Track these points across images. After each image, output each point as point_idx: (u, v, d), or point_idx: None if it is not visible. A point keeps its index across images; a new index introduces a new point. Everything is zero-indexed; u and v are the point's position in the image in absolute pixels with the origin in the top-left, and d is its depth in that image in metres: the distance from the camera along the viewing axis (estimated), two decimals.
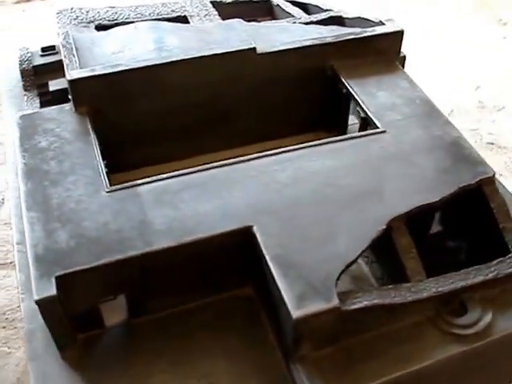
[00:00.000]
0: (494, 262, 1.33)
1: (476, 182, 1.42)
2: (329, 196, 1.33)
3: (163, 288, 1.25)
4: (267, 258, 1.18)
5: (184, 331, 1.24)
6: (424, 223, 1.56)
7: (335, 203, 1.31)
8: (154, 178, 1.33)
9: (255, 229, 1.24)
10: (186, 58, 1.51)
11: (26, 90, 1.69)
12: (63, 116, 1.47)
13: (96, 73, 1.47)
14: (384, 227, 1.27)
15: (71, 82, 1.46)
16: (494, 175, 1.44)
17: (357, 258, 1.27)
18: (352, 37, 1.76)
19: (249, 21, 1.73)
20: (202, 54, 1.53)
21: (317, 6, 1.94)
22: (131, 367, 1.17)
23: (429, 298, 1.21)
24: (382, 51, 1.72)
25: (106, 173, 1.34)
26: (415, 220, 1.31)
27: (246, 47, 1.56)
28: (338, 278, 1.22)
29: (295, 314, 1.08)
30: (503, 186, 1.47)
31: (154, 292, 1.25)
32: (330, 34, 1.66)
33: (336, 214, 1.29)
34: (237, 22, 1.71)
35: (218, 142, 1.71)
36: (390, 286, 1.27)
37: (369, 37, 1.77)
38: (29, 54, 1.74)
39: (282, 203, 1.31)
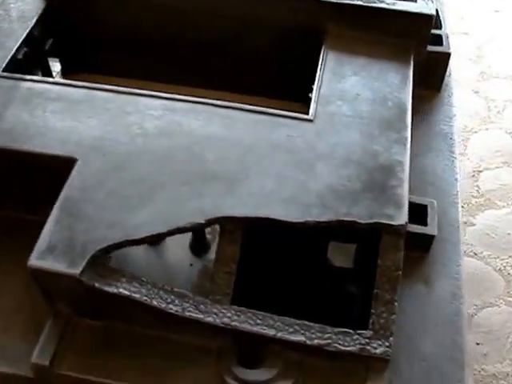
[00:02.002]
0: (338, 330, 1.05)
1: (367, 225, 1.09)
2: (179, 163, 1.17)
3: None
4: (60, 195, 1.11)
5: None
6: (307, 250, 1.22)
7: (179, 173, 1.15)
8: (46, 79, 1.33)
9: (77, 163, 1.17)
10: None
11: None
12: None
13: None
14: (202, 222, 1.09)
15: None
16: (402, 226, 1.09)
17: (143, 240, 1.08)
18: (360, 3, 1.40)
19: None
20: None
21: None
22: None
23: (217, 327, 1.04)
24: (399, 34, 1.42)
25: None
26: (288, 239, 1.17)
27: None
28: (108, 249, 1.07)
29: (30, 261, 1.02)
30: None
31: None
32: None
33: (169, 184, 1.14)
34: None
35: (182, 75, 1.61)
36: (180, 291, 1.06)
37: (382, 9, 1.40)
38: None
39: (125, 151, 1.19)
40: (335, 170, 1.15)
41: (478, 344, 2.10)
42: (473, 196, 2.56)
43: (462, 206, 2.49)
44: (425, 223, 1.19)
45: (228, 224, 1.09)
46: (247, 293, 1.23)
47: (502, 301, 2.24)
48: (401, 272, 1.06)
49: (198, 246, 1.35)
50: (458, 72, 3.07)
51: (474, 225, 2.45)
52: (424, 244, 1.20)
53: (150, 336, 1.06)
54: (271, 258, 1.28)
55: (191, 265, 1.32)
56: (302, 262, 1.29)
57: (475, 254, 2.35)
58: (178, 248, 1.37)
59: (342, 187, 1.12)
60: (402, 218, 1.09)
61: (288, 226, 1.08)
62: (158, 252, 1.38)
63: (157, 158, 1.17)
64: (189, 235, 1.35)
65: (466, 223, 2.43)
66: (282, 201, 1.10)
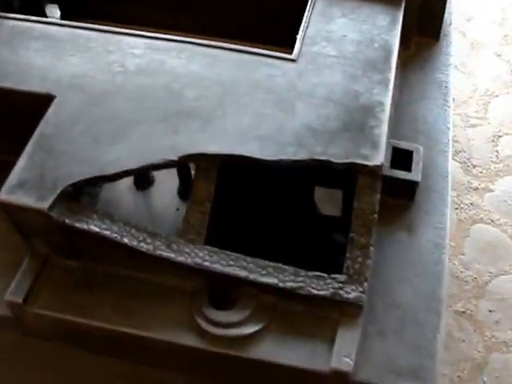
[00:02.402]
0: (311, 274, 1.02)
1: (342, 164, 1.05)
2: (157, 101, 1.14)
3: None
4: (35, 132, 1.09)
5: None
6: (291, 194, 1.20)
7: (156, 110, 1.12)
8: (29, 18, 1.28)
9: (55, 101, 1.14)
10: None
11: None
12: None
13: None
14: (174, 159, 1.06)
15: None
16: (378, 167, 1.05)
17: (114, 176, 1.05)
18: None
19: None
20: None
21: None
22: None
23: (189, 267, 1.01)
24: None
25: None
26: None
27: None
28: (78, 185, 1.04)
29: (0, 196, 1.01)
30: None
31: None
32: None
33: (144, 121, 1.11)
34: None
35: (168, 20, 1.57)
36: (153, 230, 1.04)
37: None
38: None
39: (103, 88, 1.16)
40: (314, 109, 1.11)
41: (490, 311, 2.07)
42: (492, 161, 2.48)
43: (481, 172, 2.45)
44: (409, 169, 1.15)
45: (202, 162, 1.06)
46: (229, 236, 1.20)
47: None
48: (376, 215, 1.03)
49: (186, 191, 1.32)
50: (481, 34, 3.00)
51: (492, 191, 2.38)
52: (408, 191, 1.15)
53: (125, 277, 1.05)
54: (255, 202, 1.25)
55: (178, 209, 1.29)
56: (287, 208, 1.26)
57: (492, 221, 2.29)
58: (167, 193, 1.34)
59: (319, 126, 1.08)
60: (377, 158, 1.05)
61: (262, 164, 1.04)
62: (146, 197, 1.35)
63: (135, 95, 1.13)
64: (177, 181, 1.32)
65: (484, 189, 2.38)
66: (257, 139, 1.06)
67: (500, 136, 2.58)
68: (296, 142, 1.06)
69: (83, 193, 1.13)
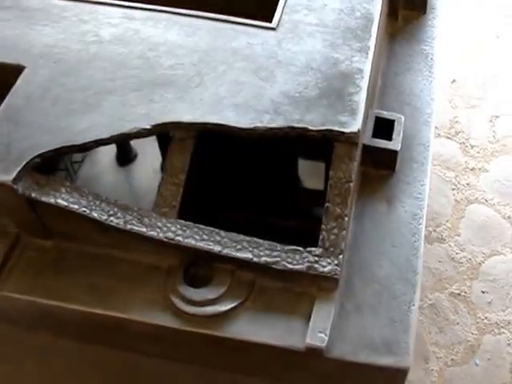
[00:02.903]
0: (287, 248, 0.99)
1: (319, 132, 1.02)
2: (132, 70, 1.10)
3: None
4: (3, 103, 1.06)
5: None
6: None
7: (130, 79, 1.09)
8: None
9: (24, 71, 1.10)
10: None
11: None
12: None
13: None
14: (147, 127, 1.03)
15: None
16: (355, 134, 1.02)
17: (84, 146, 1.02)
18: None
19: None
20: None
21: None
22: None
23: (161, 242, 0.98)
24: None
25: None
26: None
27: None
28: (46, 156, 1.00)
29: None
30: None
31: None
32: None
33: (118, 90, 1.07)
34: None
35: None
36: (124, 204, 1.00)
37: None
38: None
39: (76, 58, 1.13)
40: (294, 77, 1.08)
41: (483, 292, 2.08)
42: (489, 141, 2.47)
43: (478, 152, 2.42)
44: (391, 139, 1.12)
45: (177, 131, 1.03)
46: (207, 209, 1.18)
47: (508, 249, 2.13)
48: (352, 184, 1.00)
49: None
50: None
51: (487, 171, 2.37)
52: (389, 161, 1.11)
53: (99, 256, 1.03)
54: (237, 174, 1.23)
55: None
56: (269, 181, 1.23)
57: (486, 201, 2.28)
58: (150, 169, 1.31)
59: (297, 94, 1.06)
60: (355, 125, 1.02)
61: (238, 132, 1.01)
62: (128, 173, 1.33)
63: (109, 64, 1.10)
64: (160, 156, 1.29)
65: (480, 169, 2.37)
66: (234, 107, 1.04)
67: (497, 116, 2.55)
68: (273, 110, 1.03)
69: (59, 169, 1.11)
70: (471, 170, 2.36)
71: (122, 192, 1.31)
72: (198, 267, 0.99)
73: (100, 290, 0.99)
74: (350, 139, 1.01)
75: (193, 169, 1.04)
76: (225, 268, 0.98)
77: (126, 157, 1.34)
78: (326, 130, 1.01)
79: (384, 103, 1.23)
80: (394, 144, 1.10)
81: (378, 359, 0.93)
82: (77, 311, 0.98)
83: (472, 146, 2.44)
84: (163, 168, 1.20)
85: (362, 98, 1.05)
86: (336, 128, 1.01)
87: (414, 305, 0.97)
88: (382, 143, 1.11)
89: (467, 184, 2.32)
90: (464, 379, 1.89)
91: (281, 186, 1.26)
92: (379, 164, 1.12)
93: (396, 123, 1.13)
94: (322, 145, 1.04)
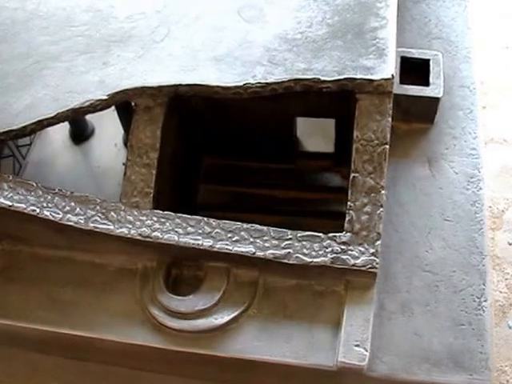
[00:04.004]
0: (301, 234, 0.77)
1: (336, 83, 0.78)
2: (80, 27, 0.89)
3: None
4: None
5: None
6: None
7: (78, 39, 0.88)
8: None
9: None
10: None
11: None
12: None
13: None
14: (103, 98, 0.81)
15: None
16: (387, 81, 0.78)
17: (24, 130, 0.81)
18: None
19: None
20: None
21: None
22: None
23: (134, 241, 0.78)
24: None
25: None
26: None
27: None
28: None
29: None
30: None
31: None
32: None
33: (64, 55, 0.86)
34: None
35: None
36: (84, 195, 0.80)
37: None
38: None
39: (10, 19, 0.91)
40: (290, 13, 0.86)
41: (510, 244, 1.77)
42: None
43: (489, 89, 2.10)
44: (426, 83, 0.87)
45: (141, 99, 0.80)
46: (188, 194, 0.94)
47: None
48: (388, 146, 0.76)
49: None
50: None
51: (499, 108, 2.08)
52: (427, 112, 0.89)
53: (58, 260, 0.84)
54: (222, 142, 0.99)
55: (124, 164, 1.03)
56: (262, 145, 0.99)
57: (505, 141, 1.98)
58: (111, 145, 1.08)
59: (299, 36, 0.84)
60: (386, 69, 0.79)
61: (222, 93, 0.77)
62: (86, 152, 1.09)
63: (51, 23, 0.90)
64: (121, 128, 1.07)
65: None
66: (214, 61, 0.83)
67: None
68: (268, 60, 0.82)
69: (2, 156, 0.89)
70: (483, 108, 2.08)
71: (81, 176, 1.11)
72: (182, 267, 0.80)
73: (61, 303, 0.81)
74: (381, 88, 0.77)
75: (167, 144, 0.82)
76: (218, 266, 0.78)
77: (81, 133, 1.12)
78: (346, 79, 0.77)
79: (405, 39, 0.99)
80: (434, 89, 0.86)
81: (444, 376, 0.71)
82: (35, 331, 0.81)
83: (481, 83, 2.16)
84: (126, 142, 0.96)
85: (389, 32, 0.82)
86: (360, 76, 0.78)
87: (485, 300, 0.73)
88: (415, 90, 0.87)
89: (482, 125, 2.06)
90: (497, 344, 1.65)
91: (277, 150, 1.02)
92: (412, 116, 0.89)
93: (432, 63, 0.89)
94: (333, 96, 0.79)
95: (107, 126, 1.07)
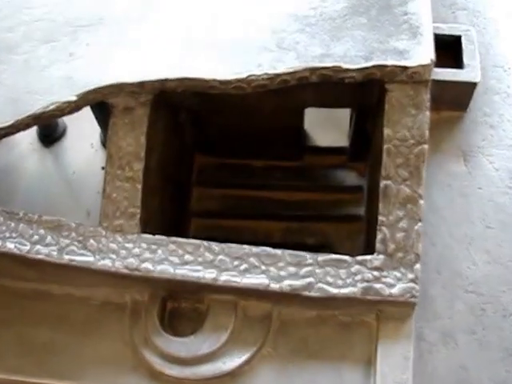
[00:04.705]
0: (324, 258, 0.65)
1: (361, 72, 0.65)
2: (40, 7, 0.75)
3: None
4: None
5: None
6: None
7: (40, 24, 0.74)
8: None
9: None
10: None
11: None
12: None
13: None
14: (71, 100, 0.67)
15: None
16: (425, 68, 0.65)
17: None
18: None
19: None
20: None
21: None
22: None
23: (120, 275, 0.65)
24: None
25: None
26: None
27: None
28: None
29: None
30: None
31: None
32: None
33: (22, 45, 0.73)
34: None
35: None
36: (56, 220, 0.67)
37: None
38: None
39: None
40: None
41: None
42: None
43: None
44: (459, 65, 0.74)
45: (118, 98, 0.66)
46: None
47: None
48: (426, 146, 0.63)
49: None
50: None
51: None
52: (460, 98, 0.79)
53: (33, 294, 0.72)
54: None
55: (103, 168, 0.88)
56: (269, 140, 0.86)
57: None
58: (86, 146, 0.94)
59: (312, 12, 0.70)
60: (423, 53, 0.66)
61: (220, 88, 0.64)
62: (57, 155, 0.97)
63: (3, 4, 0.77)
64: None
65: None
66: (209, 47, 0.69)
67: None
68: (276, 44, 0.68)
69: None
70: None
71: (53, 185, 0.97)
72: (180, 299, 0.68)
73: (35, 348, 0.70)
74: (417, 77, 0.65)
75: (154, 150, 0.69)
76: (223, 300, 0.66)
77: (51, 133, 0.98)
78: (375, 66, 0.64)
79: None
80: (470, 72, 0.74)
81: None
82: (6, 381, 0.71)
83: None
84: (104, 141, 0.82)
85: (423, 4, 0.68)
86: (392, 61, 0.64)
87: None
88: (448, 74, 0.75)
89: None
90: None
91: (283, 145, 0.89)
92: (442, 104, 0.78)
93: (464, 40, 0.76)
94: (353, 85, 0.66)
95: (81, 124, 0.93)
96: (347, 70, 0.64)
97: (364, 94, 0.70)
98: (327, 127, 0.87)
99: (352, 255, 0.65)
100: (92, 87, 0.67)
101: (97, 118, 0.85)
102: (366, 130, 0.77)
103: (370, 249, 0.67)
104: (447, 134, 0.78)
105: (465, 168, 0.75)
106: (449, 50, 0.79)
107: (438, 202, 0.73)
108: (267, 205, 0.89)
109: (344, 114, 0.81)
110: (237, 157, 0.88)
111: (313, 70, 0.65)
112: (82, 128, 0.97)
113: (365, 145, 0.79)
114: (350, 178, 0.89)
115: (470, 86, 0.76)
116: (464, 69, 0.76)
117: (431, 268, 0.69)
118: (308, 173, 0.90)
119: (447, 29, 0.79)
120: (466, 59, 0.77)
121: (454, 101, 0.77)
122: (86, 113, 0.89)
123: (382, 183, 0.64)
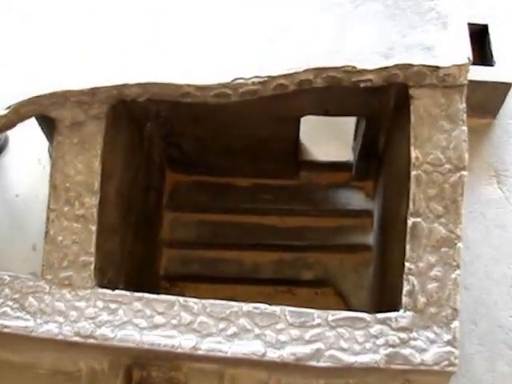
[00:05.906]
0: (335, 316, 0.53)
1: (380, 72, 0.52)
2: None
3: None
4: None
5: None
6: None
7: None
8: None
9: None
10: None
11: None
12: None
13: None
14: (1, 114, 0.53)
15: None
16: (462, 68, 0.53)
17: None
18: None
19: None
20: None
21: None
22: None
23: (69, 344, 0.51)
24: None
25: None
26: None
27: None
28: None
29: None
30: None
31: None
32: None
33: None
34: None
35: None
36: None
37: None
38: None
39: None
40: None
41: None
42: None
43: None
44: (486, 61, 0.60)
45: (63, 109, 0.51)
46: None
47: None
48: (466, 173, 0.50)
49: None
50: None
51: None
52: (489, 102, 0.60)
53: None
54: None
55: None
56: (255, 154, 0.72)
57: None
58: (33, 158, 0.82)
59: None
60: (457, 50, 0.53)
61: (197, 95, 0.49)
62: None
63: None
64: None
65: None
66: (182, 42, 0.53)
67: None
68: (268, 38, 0.53)
69: None
70: None
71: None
72: (150, 367, 0.52)
73: None
74: (450, 80, 0.51)
75: (113, 175, 0.55)
76: (206, 369, 0.52)
77: None
78: (398, 66, 0.49)
79: None
80: (502, 70, 0.59)
81: None
82: None
83: None
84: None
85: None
86: (419, 60, 0.50)
87: None
88: (474, 72, 0.59)
89: None
90: None
91: (274, 160, 0.75)
92: (468, 109, 0.61)
93: (491, 31, 0.62)
94: (370, 90, 0.52)
95: (26, 136, 0.78)
96: (363, 72, 0.50)
97: (377, 99, 0.57)
98: (327, 139, 0.74)
99: (370, 312, 0.52)
100: (26, 98, 0.50)
101: (42, 129, 0.71)
102: (377, 142, 0.63)
103: (383, 291, 0.54)
104: (476, 147, 0.64)
105: (499, 191, 0.62)
106: (472, 42, 0.67)
107: (471, 235, 0.59)
108: (255, 232, 0.75)
109: (348, 124, 0.68)
110: (217, 175, 0.75)
111: (318, 70, 0.50)
112: (27, 139, 0.83)
113: (374, 160, 0.65)
114: (355, 199, 0.76)
115: (503, 87, 0.63)
116: (494, 66, 0.64)
117: (465, 318, 0.56)
118: (304, 193, 0.76)
119: (472, 18, 0.66)
120: (495, 54, 0.64)
121: (482, 105, 0.64)
122: (31, 124, 0.75)
123: (410, 221, 0.51)
